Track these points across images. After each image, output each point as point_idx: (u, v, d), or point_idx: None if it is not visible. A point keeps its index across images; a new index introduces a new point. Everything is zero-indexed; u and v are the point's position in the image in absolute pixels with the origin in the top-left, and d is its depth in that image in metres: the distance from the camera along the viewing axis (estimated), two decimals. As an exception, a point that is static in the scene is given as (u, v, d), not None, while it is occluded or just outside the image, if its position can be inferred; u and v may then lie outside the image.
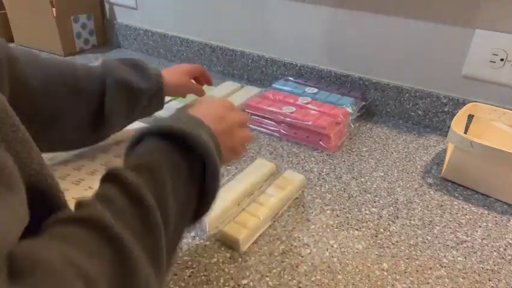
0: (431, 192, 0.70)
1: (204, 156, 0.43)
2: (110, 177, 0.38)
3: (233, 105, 0.58)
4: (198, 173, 0.44)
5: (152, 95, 0.72)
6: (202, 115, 0.48)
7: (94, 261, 0.30)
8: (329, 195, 0.67)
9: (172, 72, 0.78)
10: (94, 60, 1.22)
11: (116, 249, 0.32)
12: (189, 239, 0.58)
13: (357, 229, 0.60)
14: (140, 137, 0.44)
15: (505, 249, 0.58)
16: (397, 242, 0.59)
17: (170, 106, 0.92)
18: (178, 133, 0.42)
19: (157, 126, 0.43)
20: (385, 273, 0.54)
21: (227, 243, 0.57)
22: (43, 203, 0.33)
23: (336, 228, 0.60)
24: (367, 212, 0.64)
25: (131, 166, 0.40)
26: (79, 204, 0.35)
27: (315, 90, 0.92)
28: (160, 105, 0.76)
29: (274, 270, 0.53)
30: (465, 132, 0.79)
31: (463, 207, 0.66)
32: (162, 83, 0.73)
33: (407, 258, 0.56)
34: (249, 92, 1.00)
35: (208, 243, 0.57)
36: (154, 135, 0.43)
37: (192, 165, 0.43)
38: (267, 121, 0.86)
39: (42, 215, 0.32)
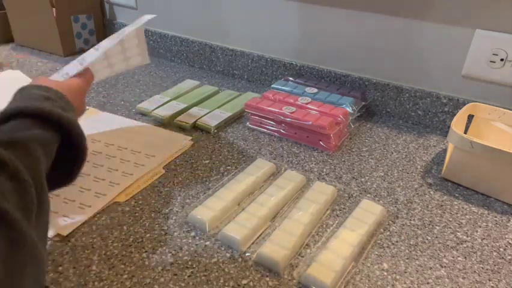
0: (431, 192, 0.70)
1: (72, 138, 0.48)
2: None
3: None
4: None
5: None
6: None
7: None
8: (329, 195, 0.67)
9: None
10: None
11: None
12: (189, 239, 0.58)
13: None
14: (2, 119, 0.45)
15: (505, 249, 0.58)
16: (397, 242, 0.59)
17: (170, 105, 0.92)
18: (42, 113, 0.46)
19: (20, 108, 0.45)
20: (385, 273, 0.54)
21: (227, 243, 0.57)
22: None
23: (336, 228, 0.60)
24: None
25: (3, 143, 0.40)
26: None
27: (315, 90, 0.92)
28: None
29: (274, 270, 0.53)
30: (465, 132, 0.79)
31: (463, 207, 0.66)
32: None
33: (407, 258, 0.56)
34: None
35: (208, 243, 0.57)
36: (17, 115, 0.45)
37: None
38: (267, 121, 0.86)
39: None
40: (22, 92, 0.51)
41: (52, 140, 0.46)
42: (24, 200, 0.36)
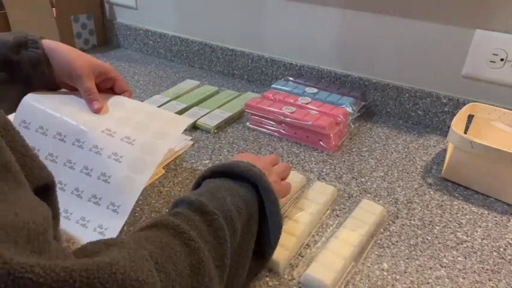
0: (431, 192, 0.70)
1: (255, 180, 0.49)
2: (177, 202, 0.45)
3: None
4: (254, 197, 0.49)
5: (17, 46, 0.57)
6: (239, 159, 0.54)
7: (165, 251, 0.36)
8: (329, 195, 0.67)
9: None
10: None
11: (184, 242, 0.38)
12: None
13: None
14: (198, 183, 0.52)
15: (505, 249, 0.58)
16: (397, 242, 0.59)
17: (170, 105, 0.92)
18: (227, 168, 0.51)
19: (208, 169, 0.52)
20: (385, 273, 0.54)
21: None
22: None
23: (336, 228, 0.60)
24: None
25: (192, 194, 0.47)
26: (153, 219, 0.41)
27: (315, 90, 0.92)
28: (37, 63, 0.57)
29: (274, 270, 0.53)
30: (465, 132, 0.79)
31: (463, 207, 0.66)
32: (33, 36, 0.58)
33: (407, 258, 0.56)
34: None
35: (208, 243, 0.57)
36: (208, 178, 0.52)
37: (247, 190, 0.49)
38: (267, 121, 0.86)
39: None
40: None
41: (247, 194, 0.49)
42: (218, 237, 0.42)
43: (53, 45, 0.59)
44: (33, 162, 0.32)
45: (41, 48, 0.57)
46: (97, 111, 0.58)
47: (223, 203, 0.45)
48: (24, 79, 0.58)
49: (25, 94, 0.58)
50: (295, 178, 0.69)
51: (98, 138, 0.54)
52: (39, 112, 0.55)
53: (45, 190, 0.33)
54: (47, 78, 0.59)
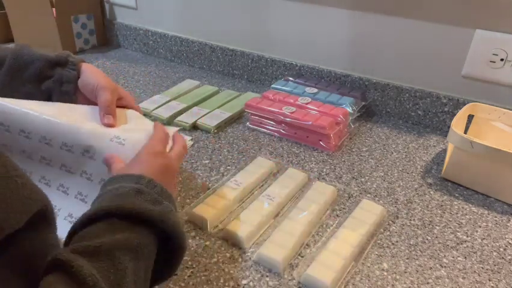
0: (431, 192, 0.70)
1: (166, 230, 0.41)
2: (58, 266, 0.32)
3: (161, 134, 0.55)
4: (155, 246, 0.42)
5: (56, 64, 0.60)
6: (146, 171, 0.46)
7: None
8: (329, 195, 0.67)
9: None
10: (94, 60, 1.22)
11: None
12: (189, 239, 0.58)
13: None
14: (87, 221, 0.39)
15: (505, 249, 0.58)
16: (397, 242, 0.59)
17: (170, 105, 0.93)
18: (131, 213, 0.40)
19: (107, 208, 0.40)
20: (385, 273, 0.54)
21: (230, 240, 0.57)
22: None
23: (336, 228, 0.60)
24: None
25: (83, 250, 0.35)
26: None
27: (315, 90, 0.92)
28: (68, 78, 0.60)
29: (274, 270, 0.53)
30: (465, 132, 0.79)
31: (463, 207, 0.67)
32: (73, 57, 0.61)
33: (407, 258, 0.56)
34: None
35: (208, 243, 0.57)
36: (104, 216, 0.39)
37: (149, 239, 0.41)
38: (267, 121, 0.86)
39: None
40: (111, 184, 0.44)
41: (146, 241, 0.40)
42: None
43: (89, 65, 0.62)
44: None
45: (77, 70, 0.60)
46: (107, 126, 0.57)
47: (121, 281, 0.35)
48: (47, 93, 0.60)
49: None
50: (297, 176, 0.69)
51: (92, 139, 0.54)
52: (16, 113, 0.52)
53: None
54: (68, 97, 0.60)
